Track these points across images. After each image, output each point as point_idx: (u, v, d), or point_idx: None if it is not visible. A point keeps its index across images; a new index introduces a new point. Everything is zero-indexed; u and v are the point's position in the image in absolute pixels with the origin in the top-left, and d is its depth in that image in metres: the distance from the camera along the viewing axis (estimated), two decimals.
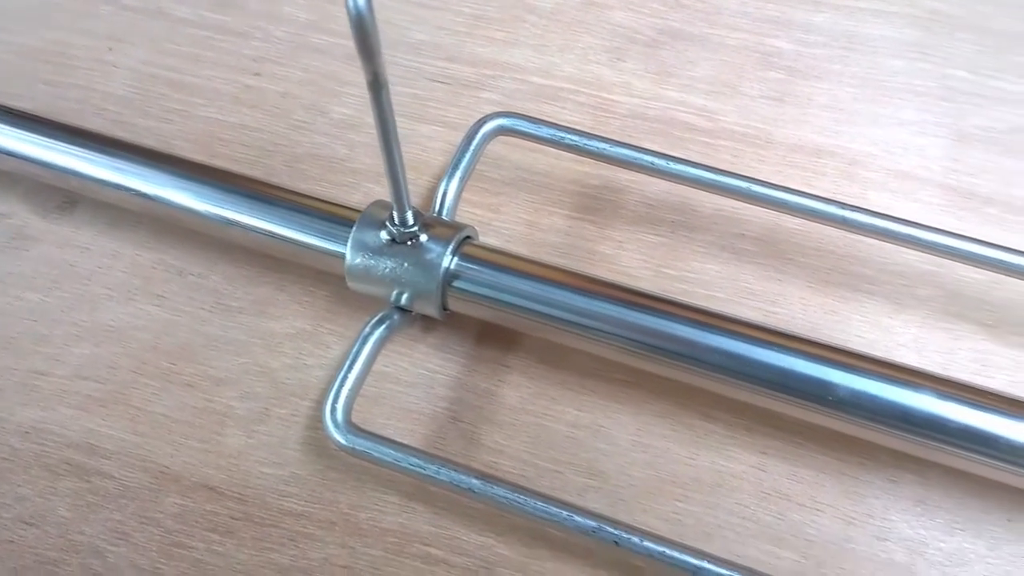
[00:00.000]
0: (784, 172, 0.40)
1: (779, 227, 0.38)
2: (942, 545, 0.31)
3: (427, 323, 0.36)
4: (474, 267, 0.33)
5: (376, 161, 0.41)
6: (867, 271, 0.37)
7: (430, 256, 0.33)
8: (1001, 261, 0.33)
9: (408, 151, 0.41)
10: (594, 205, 0.39)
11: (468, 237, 0.34)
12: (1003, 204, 0.38)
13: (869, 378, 0.29)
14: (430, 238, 0.33)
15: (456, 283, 0.33)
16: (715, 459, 0.33)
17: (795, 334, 0.31)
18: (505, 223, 0.39)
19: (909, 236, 0.34)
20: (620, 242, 0.38)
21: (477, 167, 0.40)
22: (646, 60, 0.44)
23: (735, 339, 0.31)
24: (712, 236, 0.38)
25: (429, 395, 0.35)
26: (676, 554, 0.29)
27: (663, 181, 0.37)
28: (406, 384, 0.35)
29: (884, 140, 0.40)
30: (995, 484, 0.31)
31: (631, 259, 0.38)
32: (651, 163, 0.36)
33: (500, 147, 0.41)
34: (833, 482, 0.33)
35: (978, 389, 0.30)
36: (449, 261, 0.33)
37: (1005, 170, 0.39)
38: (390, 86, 0.26)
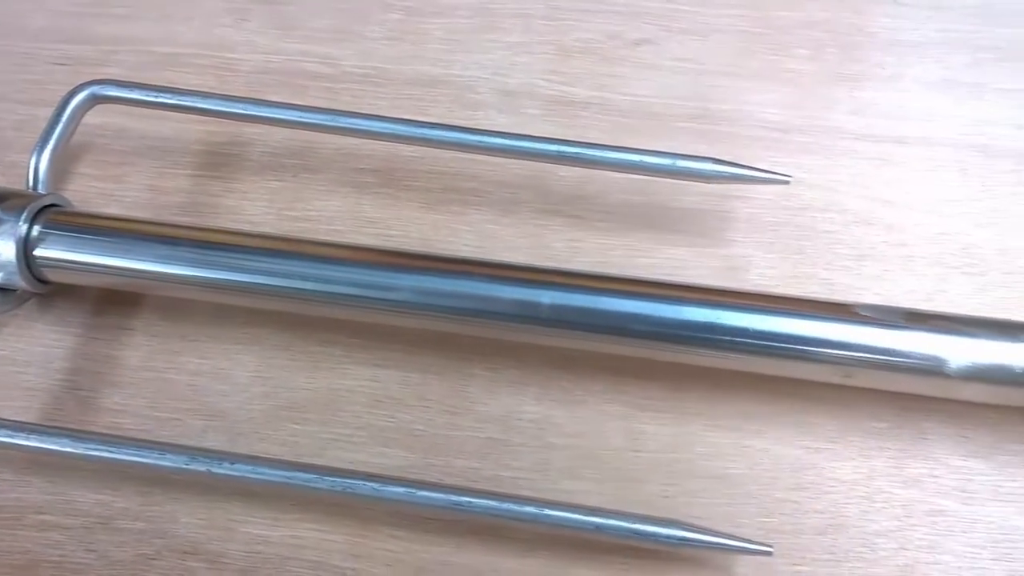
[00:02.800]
0: (401, 105, 0.41)
1: (395, 156, 0.40)
2: (533, 416, 0.34)
3: (43, 301, 0.36)
4: (57, 233, 0.33)
5: None
6: (474, 185, 0.39)
7: (2, 228, 0.32)
8: (588, 156, 0.36)
9: (29, 136, 0.41)
10: (219, 161, 0.40)
11: (53, 205, 0.34)
12: (597, 106, 0.41)
13: (425, 275, 0.31)
14: (2, 211, 0.33)
15: (38, 251, 0.33)
16: (331, 379, 0.35)
17: (366, 247, 0.33)
18: (128, 191, 0.39)
19: (501, 145, 0.36)
20: (244, 192, 0.39)
21: (98, 141, 0.40)
22: (270, 17, 0.44)
23: (310, 262, 0.32)
24: (333, 174, 0.40)
25: (47, 370, 0.35)
26: (267, 470, 0.30)
27: (286, 130, 0.38)
28: (22, 364, 0.35)
29: (492, 64, 0.43)
30: (584, 354, 0.34)
31: (255, 207, 0.39)
32: (242, 110, 0.36)
33: (123, 119, 0.41)
34: (439, 380, 0.35)
35: (524, 267, 0.32)
36: (25, 230, 0.32)
37: (600, 75, 0.42)
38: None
